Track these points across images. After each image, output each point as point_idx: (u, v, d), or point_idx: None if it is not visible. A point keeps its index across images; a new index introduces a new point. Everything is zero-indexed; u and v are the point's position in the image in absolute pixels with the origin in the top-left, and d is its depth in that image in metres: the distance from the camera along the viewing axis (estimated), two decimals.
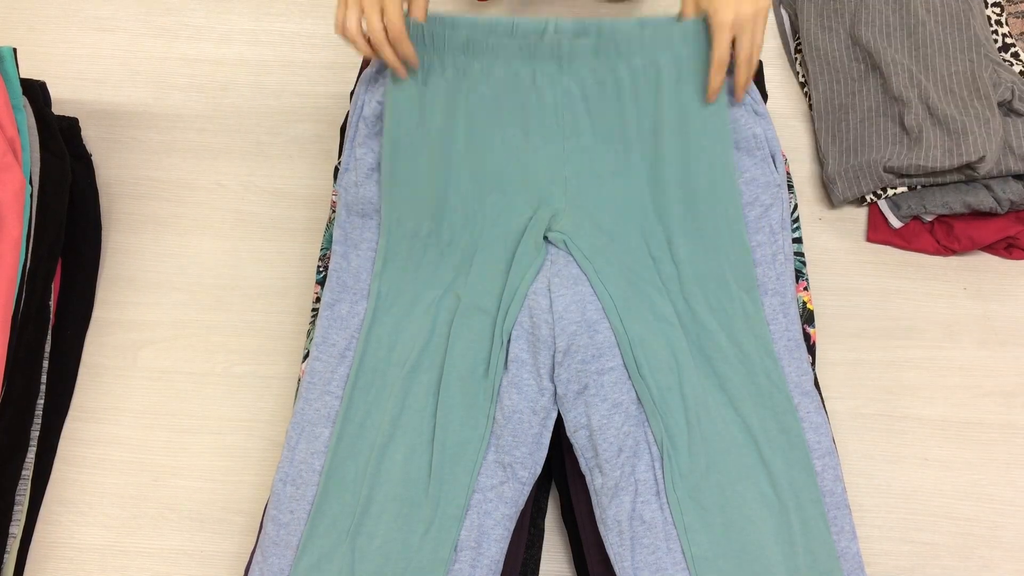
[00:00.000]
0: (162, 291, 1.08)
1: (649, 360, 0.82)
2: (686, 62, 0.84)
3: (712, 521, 0.79)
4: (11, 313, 0.91)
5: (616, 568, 0.79)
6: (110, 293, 1.08)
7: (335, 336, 0.87)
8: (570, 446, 0.85)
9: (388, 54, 0.81)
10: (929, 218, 1.08)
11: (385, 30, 0.79)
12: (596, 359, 0.83)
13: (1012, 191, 1.04)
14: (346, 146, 0.91)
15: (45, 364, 0.99)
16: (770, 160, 0.89)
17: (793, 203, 0.98)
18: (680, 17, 0.84)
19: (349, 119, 0.92)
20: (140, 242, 1.10)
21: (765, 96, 1.03)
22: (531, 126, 0.85)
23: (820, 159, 1.14)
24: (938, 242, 1.08)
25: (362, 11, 0.79)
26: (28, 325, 0.96)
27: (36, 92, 1.03)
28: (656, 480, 0.80)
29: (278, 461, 0.84)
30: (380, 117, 0.88)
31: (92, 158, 1.14)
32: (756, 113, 0.89)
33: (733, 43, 0.82)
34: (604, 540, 0.80)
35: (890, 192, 1.07)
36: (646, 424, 0.82)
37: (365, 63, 1.00)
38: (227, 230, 1.11)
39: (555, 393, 0.84)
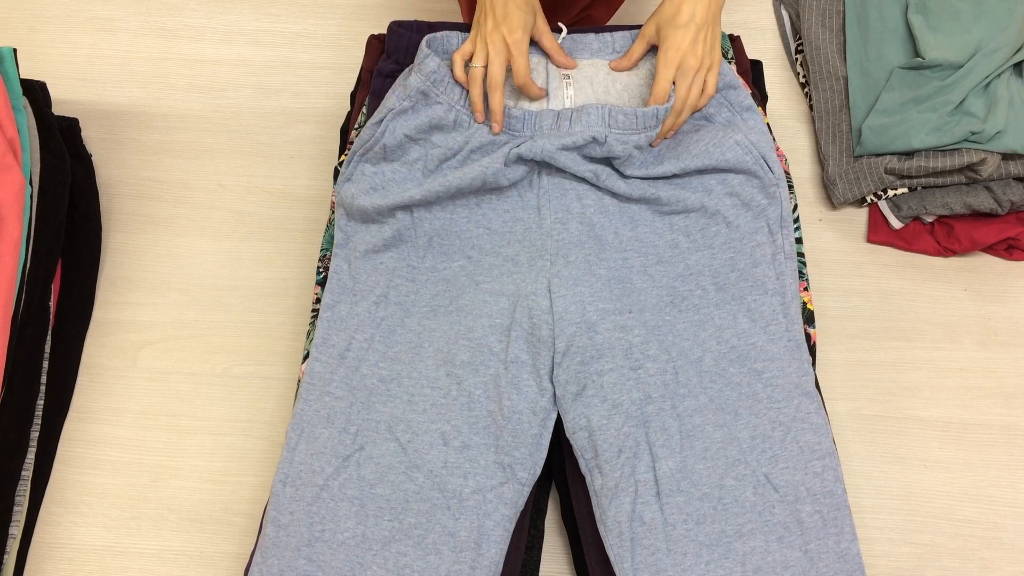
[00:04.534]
0: (162, 292, 1.08)
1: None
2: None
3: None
4: (11, 314, 0.91)
5: (616, 569, 0.79)
6: (110, 293, 1.07)
7: (335, 337, 0.87)
8: (570, 447, 0.85)
9: (496, 99, 0.86)
10: (929, 219, 1.08)
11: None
12: (596, 360, 0.83)
13: (1013, 192, 1.04)
14: (354, 156, 0.90)
15: (45, 365, 0.99)
16: (761, 161, 0.88)
17: (793, 203, 0.98)
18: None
19: (361, 135, 0.91)
20: (140, 242, 1.10)
21: (765, 97, 1.03)
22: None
23: (821, 160, 1.14)
24: (938, 243, 1.08)
25: (487, 55, 0.85)
26: (28, 326, 0.96)
27: (36, 92, 1.03)
28: (656, 481, 0.80)
29: (278, 462, 0.84)
30: (401, 146, 0.88)
31: (92, 158, 1.13)
32: (730, 123, 0.89)
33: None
34: (604, 541, 0.80)
35: (891, 193, 1.07)
36: (646, 425, 0.81)
37: (366, 65, 1.00)
38: (227, 231, 1.11)
39: (554, 394, 0.84)
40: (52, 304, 1.01)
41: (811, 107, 1.17)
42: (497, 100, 0.85)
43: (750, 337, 0.85)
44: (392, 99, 0.89)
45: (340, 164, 0.95)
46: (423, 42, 0.88)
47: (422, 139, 0.88)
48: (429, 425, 0.83)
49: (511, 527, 0.82)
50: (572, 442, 0.83)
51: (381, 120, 0.88)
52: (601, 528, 0.81)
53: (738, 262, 0.87)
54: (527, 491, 0.83)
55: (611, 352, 0.83)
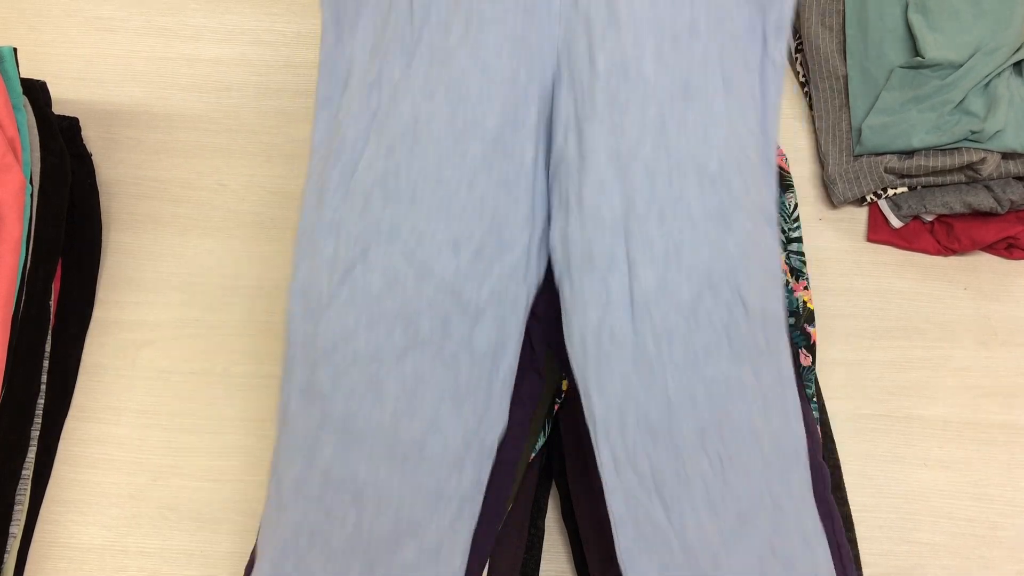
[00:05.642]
0: (162, 291, 1.08)
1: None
2: None
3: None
4: (11, 313, 0.91)
5: (579, 384, 0.72)
6: (110, 293, 1.08)
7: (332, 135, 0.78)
8: (570, 445, 0.85)
9: None
10: (929, 218, 1.08)
11: None
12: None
13: (1013, 191, 1.04)
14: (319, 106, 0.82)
15: (45, 364, 0.99)
16: None
17: (793, 202, 0.98)
18: None
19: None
20: (140, 242, 1.10)
21: None
22: None
23: (821, 159, 1.14)
24: (938, 242, 1.08)
25: None
26: (28, 325, 0.96)
27: (36, 92, 1.03)
28: (631, 294, 0.72)
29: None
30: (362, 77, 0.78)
31: (92, 158, 1.14)
32: None
33: None
34: (568, 354, 0.73)
35: (890, 192, 1.07)
36: (627, 237, 0.73)
37: None
38: (228, 230, 1.11)
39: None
40: (52, 304, 1.01)
41: (811, 106, 1.17)
42: None
43: (746, 147, 0.76)
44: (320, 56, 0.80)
45: None
46: None
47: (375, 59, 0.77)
48: (437, 229, 0.75)
49: (523, 331, 0.77)
50: (551, 254, 0.76)
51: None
52: (568, 345, 0.74)
53: (737, 61, 0.78)
54: (533, 293, 0.77)
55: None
